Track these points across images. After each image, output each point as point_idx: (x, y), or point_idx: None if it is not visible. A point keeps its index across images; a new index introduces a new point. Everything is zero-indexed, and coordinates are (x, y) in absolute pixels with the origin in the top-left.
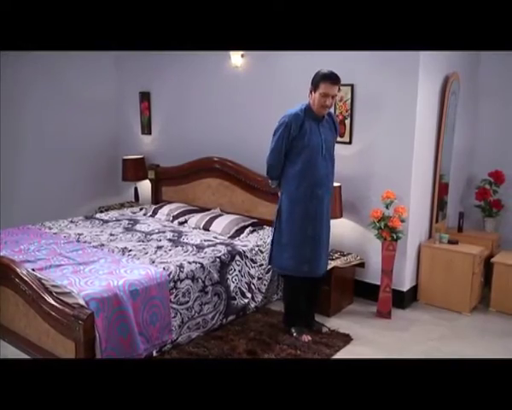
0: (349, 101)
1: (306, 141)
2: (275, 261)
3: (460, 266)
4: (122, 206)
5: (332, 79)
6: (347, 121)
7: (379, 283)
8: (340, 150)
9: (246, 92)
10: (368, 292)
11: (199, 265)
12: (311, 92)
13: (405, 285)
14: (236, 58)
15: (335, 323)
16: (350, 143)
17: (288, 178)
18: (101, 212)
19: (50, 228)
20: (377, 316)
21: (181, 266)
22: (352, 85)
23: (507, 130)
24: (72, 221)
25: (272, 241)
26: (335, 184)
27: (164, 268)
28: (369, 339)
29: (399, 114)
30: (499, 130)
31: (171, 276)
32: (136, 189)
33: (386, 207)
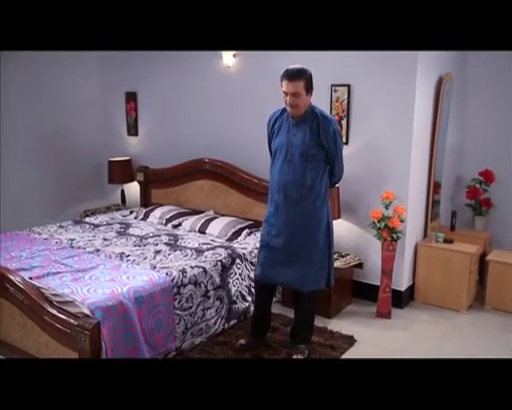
0: (346, 101)
1: (274, 141)
2: None
3: (457, 265)
4: (108, 209)
5: (287, 75)
6: (344, 122)
7: (376, 283)
8: None
9: (238, 92)
10: (365, 292)
11: (201, 269)
12: None
13: (403, 285)
14: (228, 58)
15: (337, 324)
16: (346, 143)
17: None
18: (87, 215)
19: (40, 234)
20: (377, 316)
21: (183, 271)
22: (348, 86)
23: (494, 129)
24: (61, 226)
25: None
26: None
27: (167, 273)
28: (372, 340)
29: (397, 114)
30: (487, 129)
31: (175, 281)
32: (122, 191)
33: (386, 208)
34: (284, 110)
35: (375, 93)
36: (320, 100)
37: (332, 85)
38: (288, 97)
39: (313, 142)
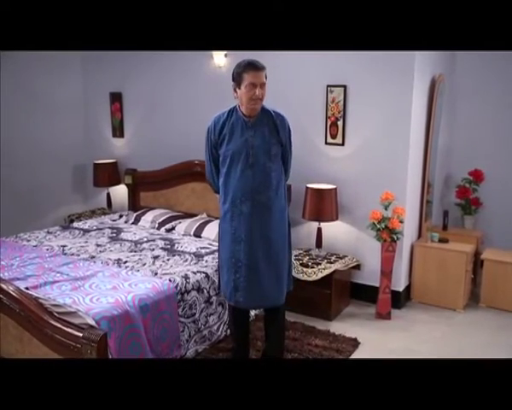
0: (341, 102)
1: (226, 147)
2: (221, 285)
3: (453, 265)
4: (94, 213)
5: (255, 65)
6: (340, 123)
7: (373, 284)
8: (332, 152)
9: (230, 93)
10: (363, 293)
11: (203, 275)
12: (235, 91)
13: (401, 285)
14: (219, 58)
15: (338, 327)
16: (343, 144)
17: (220, 192)
18: (72, 221)
19: (28, 240)
20: (377, 317)
21: (186, 277)
22: (344, 86)
23: (483, 129)
24: (49, 232)
25: (218, 262)
26: (330, 187)
27: (170, 280)
28: (375, 342)
29: (394, 114)
30: (476, 129)
31: (179, 288)
32: (108, 194)
33: (385, 209)
34: (231, 112)
35: (371, 94)
36: (315, 101)
37: (328, 86)
38: (256, 89)
39: (273, 140)
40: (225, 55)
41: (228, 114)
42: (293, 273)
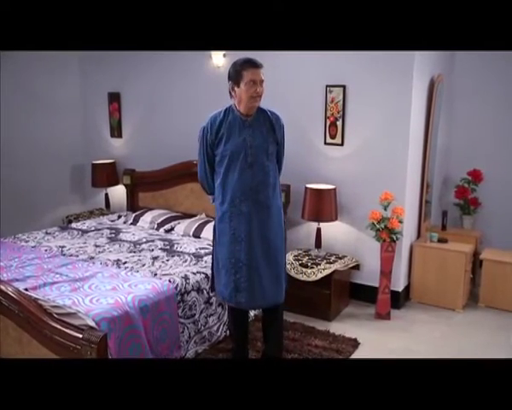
0: (341, 102)
1: (224, 147)
2: (216, 287)
3: (453, 265)
4: (92, 214)
5: (253, 63)
6: (339, 123)
7: (373, 284)
8: (331, 152)
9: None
10: (362, 294)
11: (203, 275)
12: (233, 90)
13: (400, 285)
14: (218, 58)
15: (338, 327)
16: (342, 144)
17: (216, 193)
18: (70, 221)
19: (26, 241)
20: (376, 318)
21: (186, 278)
22: (343, 87)
23: (482, 129)
24: (47, 232)
25: (212, 263)
26: (329, 187)
27: (170, 281)
28: (375, 342)
29: (393, 114)
30: (475, 129)
31: (178, 289)
32: (106, 195)
33: (385, 209)
34: (227, 112)
35: (370, 94)
36: (315, 101)
37: (327, 86)
38: (257, 86)
39: (270, 138)
40: (224, 56)
41: (224, 113)
42: (293, 274)
